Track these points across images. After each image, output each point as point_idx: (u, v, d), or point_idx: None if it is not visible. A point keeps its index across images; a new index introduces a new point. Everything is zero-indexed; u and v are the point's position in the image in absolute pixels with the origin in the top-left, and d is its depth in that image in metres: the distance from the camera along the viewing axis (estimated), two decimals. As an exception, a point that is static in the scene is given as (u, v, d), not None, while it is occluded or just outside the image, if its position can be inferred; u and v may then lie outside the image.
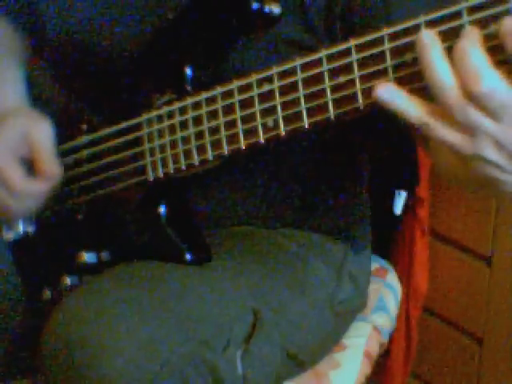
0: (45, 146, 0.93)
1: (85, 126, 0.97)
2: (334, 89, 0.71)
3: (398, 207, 1.28)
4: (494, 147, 0.63)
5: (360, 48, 0.69)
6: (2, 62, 1.03)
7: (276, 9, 0.81)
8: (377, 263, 1.26)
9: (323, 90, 0.72)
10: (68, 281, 0.97)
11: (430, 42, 0.62)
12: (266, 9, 0.81)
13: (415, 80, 0.66)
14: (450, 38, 0.63)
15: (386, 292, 1.21)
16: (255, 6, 0.81)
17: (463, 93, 0.62)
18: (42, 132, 0.93)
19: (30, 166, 0.93)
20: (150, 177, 0.90)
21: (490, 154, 0.64)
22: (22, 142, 0.92)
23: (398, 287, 1.25)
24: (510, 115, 0.61)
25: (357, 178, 1.12)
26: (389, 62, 0.67)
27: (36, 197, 0.94)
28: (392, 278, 1.25)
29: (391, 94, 0.65)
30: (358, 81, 0.69)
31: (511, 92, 0.61)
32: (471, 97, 0.61)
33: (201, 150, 0.84)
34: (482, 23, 0.61)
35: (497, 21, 0.60)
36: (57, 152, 0.94)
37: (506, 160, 0.64)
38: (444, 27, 0.63)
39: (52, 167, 0.93)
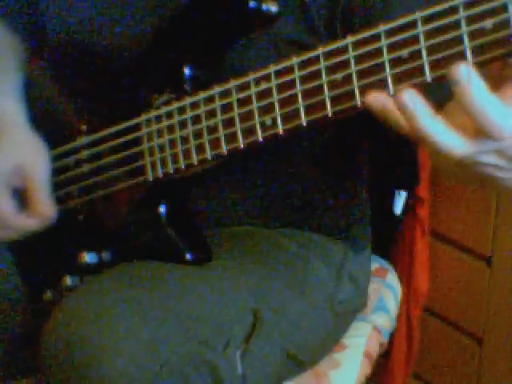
0: (40, 183, 0.92)
1: (85, 127, 0.97)
2: (332, 86, 0.71)
3: (398, 207, 1.28)
4: (493, 153, 0.63)
5: (357, 45, 0.69)
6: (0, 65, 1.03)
7: (273, 7, 0.81)
8: (377, 263, 1.26)
9: (320, 88, 0.72)
10: (69, 281, 0.97)
11: (417, 109, 0.60)
12: (264, 7, 0.81)
13: (413, 76, 0.66)
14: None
15: (386, 292, 1.21)
16: (252, 4, 0.81)
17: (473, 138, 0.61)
18: (37, 167, 0.93)
19: (23, 197, 0.93)
20: (150, 177, 0.90)
21: (489, 159, 0.64)
22: (16, 173, 0.92)
23: (398, 287, 1.25)
24: None
25: (357, 178, 1.12)
26: (386, 58, 0.67)
27: (26, 232, 0.94)
28: (392, 278, 1.25)
29: (379, 100, 0.64)
30: (355, 78, 0.69)
31: None
32: (491, 141, 0.60)
33: (200, 149, 0.84)
34: (476, 19, 0.61)
35: (492, 15, 0.60)
36: (52, 188, 0.93)
37: (505, 161, 0.64)
38: (440, 23, 0.63)
39: (46, 208, 0.93)
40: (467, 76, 0.58)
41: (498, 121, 0.59)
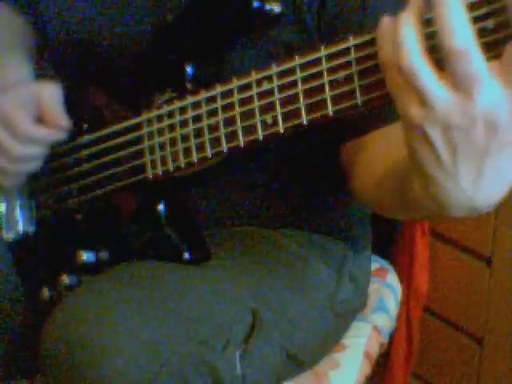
0: (52, 99, 0.93)
1: (85, 126, 0.97)
2: (333, 85, 0.71)
3: (398, 207, 1.28)
4: (439, 127, 0.59)
5: (358, 45, 0.69)
6: (10, 47, 1.03)
7: (276, 8, 0.81)
8: (377, 263, 1.26)
9: (322, 87, 0.72)
10: (67, 280, 0.97)
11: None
12: (267, 7, 0.81)
13: None
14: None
15: (386, 292, 1.21)
16: (256, 4, 0.81)
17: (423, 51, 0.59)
18: (49, 88, 0.93)
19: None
20: (150, 175, 0.90)
21: (433, 132, 0.59)
22: (31, 100, 0.92)
23: (398, 287, 1.25)
24: (474, 87, 0.57)
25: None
26: None
27: (41, 145, 0.93)
28: (392, 277, 1.25)
29: None
30: (356, 77, 0.69)
31: (484, 63, 0.57)
32: (441, 51, 0.57)
33: (200, 147, 0.84)
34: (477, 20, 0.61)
35: (494, 16, 0.60)
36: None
37: (447, 151, 0.60)
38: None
39: (59, 116, 0.93)
40: None
41: (458, 28, 0.56)
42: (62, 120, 0.93)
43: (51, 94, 0.93)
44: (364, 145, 0.88)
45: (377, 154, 0.85)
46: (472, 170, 0.61)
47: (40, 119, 0.92)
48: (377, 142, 0.86)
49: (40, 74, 1.06)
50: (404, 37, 0.60)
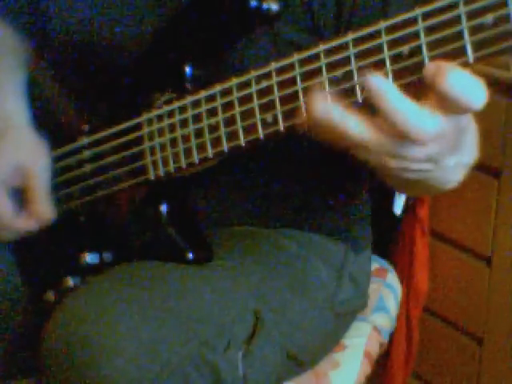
0: (39, 184, 0.92)
1: (85, 127, 0.97)
2: (332, 82, 0.71)
3: (398, 207, 1.28)
4: (424, 161, 0.66)
5: (357, 41, 0.69)
6: (2, 65, 1.03)
7: (274, 6, 0.81)
8: (377, 263, 1.26)
9: (321, 84, 0.72)
10: (71, 282, 0.97)
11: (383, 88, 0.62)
12: (264, 6, 0.81)
13: (412, 73, 0.66)
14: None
15: (386, 292, 1.21)
16: (253, 3, 0.81)
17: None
18: (38, 168, 0.93)
19: (22, 197, 0.93)
20: (151, 176, 0.90)
21: (421, 166, 0.66)
22: (16, 173, 0.92)
23: (398, 287, 1.25)
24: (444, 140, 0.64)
25: (357, 178, 1.12)
26: (386, 54, 0.67)
27: (22, 232, 0.94)
28: (392, 277, 1.25)
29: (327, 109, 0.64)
30: (355, 74, 0.69)
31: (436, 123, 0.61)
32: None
33: (201, 148, 0.84)
34: (476, 15, 0.61)
35: (492, 11, 0.60)
36: (53, 189, 0.94)
37: (434, 165, 0.67)
38: (440, 19, 0.63)
39: (45, 209, 0.93)
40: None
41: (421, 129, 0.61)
42: (48, 213, 0.93)
43: (39, 176, 0.92)
44: None
45: None
46: (454, 155, 0.68)
47: (24, 196, 0.92)
48: None
49: (40, 75, 1.06)
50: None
